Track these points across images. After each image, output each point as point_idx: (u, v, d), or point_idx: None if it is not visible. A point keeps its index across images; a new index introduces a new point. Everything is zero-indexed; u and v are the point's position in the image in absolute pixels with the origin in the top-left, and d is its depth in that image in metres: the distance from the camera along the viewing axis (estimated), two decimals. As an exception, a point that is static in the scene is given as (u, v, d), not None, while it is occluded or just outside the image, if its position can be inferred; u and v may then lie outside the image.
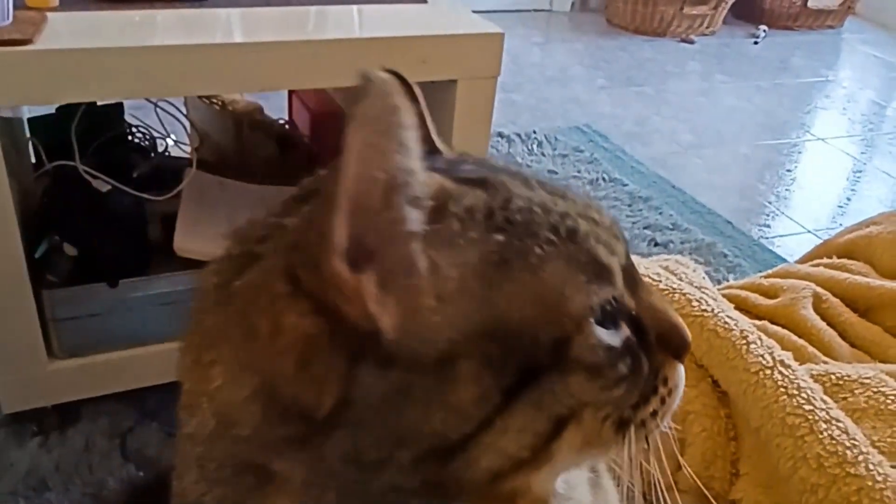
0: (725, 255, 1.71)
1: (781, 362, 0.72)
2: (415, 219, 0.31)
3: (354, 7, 1.12)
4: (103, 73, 0.91)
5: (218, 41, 0.98)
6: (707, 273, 1.62)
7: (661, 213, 1.84)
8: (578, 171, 2.00)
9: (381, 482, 0.33)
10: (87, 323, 1.04)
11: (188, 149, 1.40)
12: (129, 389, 1.11)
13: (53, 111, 1.19)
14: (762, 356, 0.72)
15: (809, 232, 1.88)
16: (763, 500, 0.68)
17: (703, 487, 0.60)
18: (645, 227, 1.77)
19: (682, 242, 1.73)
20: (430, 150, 0.44)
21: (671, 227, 1.79)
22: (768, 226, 1.91)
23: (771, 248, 1.79)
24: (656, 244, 1.72)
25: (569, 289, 0.34)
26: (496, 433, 0.33)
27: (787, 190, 2.10)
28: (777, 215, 1.96)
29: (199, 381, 0.36)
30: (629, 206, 1.86)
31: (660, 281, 0.80)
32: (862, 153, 2.40)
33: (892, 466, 0.65)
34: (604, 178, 1.97)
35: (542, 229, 0.34)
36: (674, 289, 0.78)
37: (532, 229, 0.34)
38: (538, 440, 0.34)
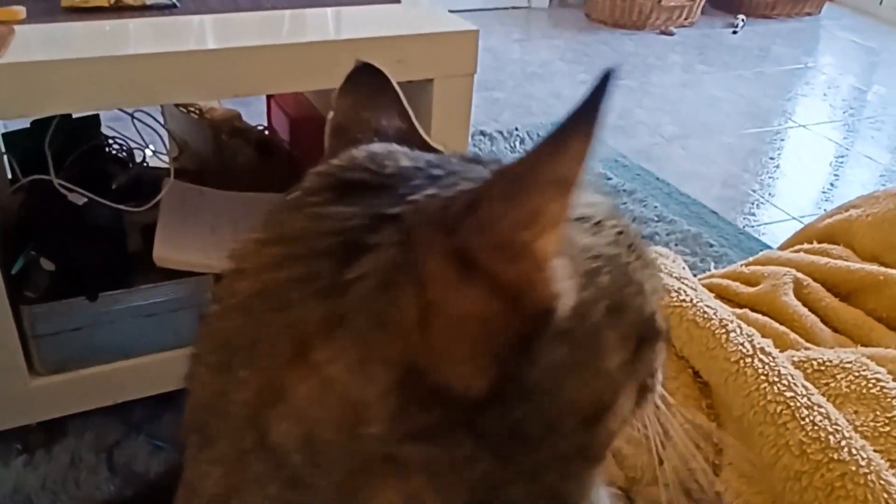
0: (711, 245, 1.71)
1: (762, 350, 0.71)
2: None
3: (328, 9, 1.11)
4: (75, 84, 0.90)
5: (191, 48, 0.97)
6: (694, 263, 1.63)
7: (645, 206, 1.84)
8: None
9: (540, 455, 0.35)
10: (69, 338, 1.03)
11: (167, 159, 1.39)
12: (114, 403, 1.09)
13: (28, 125, 1.18)
14: (742, 344, 0.72)
15: (794, 219, 1.89)
16: (746, 490, 0.67)
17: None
18: (630, 220, 1.77)
19: (667, 234, 1.73)
20: (427, 149, 0.43)
21: (656, 218, 1.79)
22: (753, 214, 1.91)
23: (757, 236, 1.80)
24: (642, 237, 1.72)
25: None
26: (625, 396, 0.38)
27: (770, 178, 2.11)
28: (762, 203, 1.97)
29: (286, 387, 0.33)
30: (613, 199, 1.86)
31: (638, 272, 0.79)
32: (844, 138, 2.41)
33: (876, 451, 0.65)
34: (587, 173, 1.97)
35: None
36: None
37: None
38: (639, 405, 0.40)
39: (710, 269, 1.54)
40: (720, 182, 2.06)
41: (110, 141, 1.32)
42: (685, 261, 1.62)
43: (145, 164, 1.36)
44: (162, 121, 1.41)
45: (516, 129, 2.16)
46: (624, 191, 1.90)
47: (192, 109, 1.43)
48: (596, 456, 0.38)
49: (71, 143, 1.19)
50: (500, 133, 2.14)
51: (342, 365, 0.32)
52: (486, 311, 0.31)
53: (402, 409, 0.32)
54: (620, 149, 2.14)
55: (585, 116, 0.29)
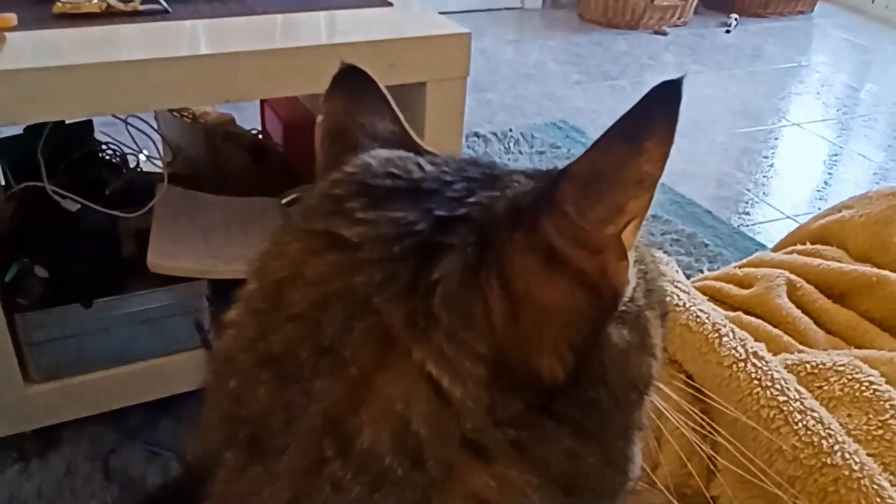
0: (706, 245, 1.71)
1: (755, 354, 0.71)
2: None
3: (320, 13, 1.11)
4: (67, 91, 0.89)
5: (184, 54, 0.97)
6: (689, 263, 1.63)
7: (640, 206, 1.84)
8: (556, 168, 1.99)
9: (610, 427, 0.38)
10: (63, 345, 1.02)
11: (161, 164, 1.39)
12: (109, 410, 1.09)
13: (21, 132, 1.17)
14: (735, 349, 0.72)
15: (789, 217, 1.89)
16: (740, 494, 0.67)
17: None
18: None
19: (662, 234, 1.74)
20: (420, 151, 0.44)
21: (650, 218, 1.79)
22: (748, 213, 1.91)
23: (751, 235, 1.80)
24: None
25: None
26: (658, 364, 0.41)
27: (765, 177, 2.11)
28: (756, 202, 1.97)
29: (376, 390, 0.34)
30: (608, 200, 1.86)
31: (631, 276, 0.79)
32: (838, 137, 2.41)
33: (869, 454, 0.65)
34: (582, 174, 1.97)
35: None
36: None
37: None
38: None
39: (705, 269, 1.54)
40: (714, 181, 2.06)
41: (104, 146, 1.32)
42: (680, 261, 1.63)
43: (139, 170, 1.36)
44: (155, 126, 1.41)
45: (510, 131, 2.17)
46: (618, 191, 1.90)
47: (186, 114, 1.43)
48: (644, 426, 0.41)
49: (64, 149, 1.18)
50: (494, 134, 2.14)
51: (437, 363, 0.33)
52: (570, 302, 0.34)
53: (493, 401, 0.34)
54: (614, 149, 2.13)
55: (666, 119, 0.32)
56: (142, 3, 1.02)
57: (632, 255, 0.35)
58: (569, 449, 0.36)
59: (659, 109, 0.32)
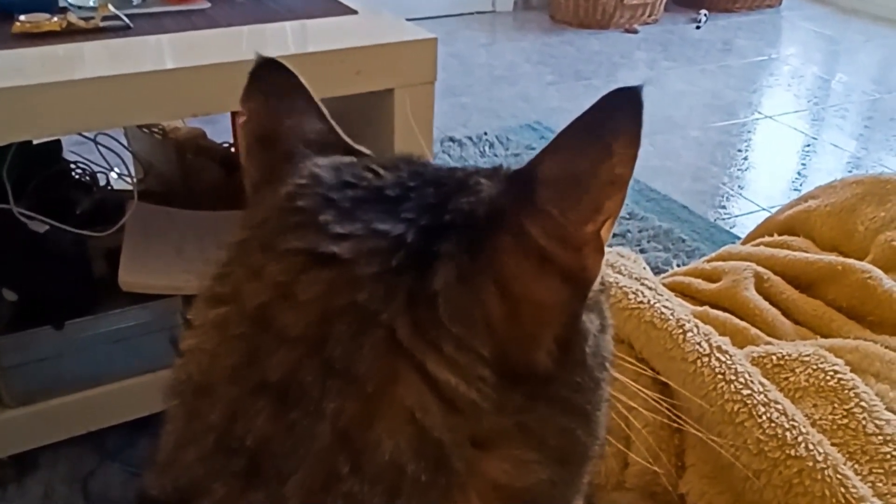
0: (683, 240, 1.72)
1: (718, 348, 0.71)
2: None
3: (286, 24, 1.10)
4: (30, 111, 0.88)
5: (149, 69, 0.96)
6: (666, 259, 1.64)
7: (617, 204, 1.84)
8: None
9: (593, 401, 0.40)
10: (36, 368, 1.01)
11: (131, 181, 1.37)
12: (86, 432, 1.08)
13: (-14, 154, 1.16)
14: (699, 344, 0.72)
15: (765, 210, 1.90)
16: (709, 490, 0.67)
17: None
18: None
19: (639, 231, 1.74)
20: (349, 149, 0.44)
21: (627, 216, 1.80)
22: (724, 207, 1.92)
23: (728, 228, 1.81)
24: (614, 235, 1.71)
25: None
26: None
27: (739, 170, 2.12)
28: (732, 196, 1.98)
29: (393, 402, 0.34)
30: (585, 199, 1.86)
31: (596, 276, 0.79)
32: (810, 128, 2.43)
33: (834, 444, 0.65)
34: (558, 174, 1.97)
35: None
36: (610, 283, 0.78)
37: None
38: None
39: (682, 265, 1.54)
40: (690, 176, 2.07)
41: (73, 166, 1.31)
42: (657, 257, 1.64)
43: (109, 188, 1.34)
44: (125, 143, 1.39)
45: (485, 134, 2.17)
46: (595, 190, 1.90)
47: (156, 130, 1.42)
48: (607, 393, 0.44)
49: (31, 169, 1.17)
50: (469, 138, 2.14)
51: (449, 370, 0.35)
52: (558, 296, 0.36)
53: (501, 397, 0.35)
54: (589, 148, 2.14)
55: (630, 124, 0.34)
56: (103, 20, 1.01)
57: (606, 248, 0.37)
58: (561, 425, 0.39)
59: (622, 114, 0.34)
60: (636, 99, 0.34)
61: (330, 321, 0.34)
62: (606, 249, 0.37)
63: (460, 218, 0.36)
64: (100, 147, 1.27)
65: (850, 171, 2.14)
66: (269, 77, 0.45)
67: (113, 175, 1.36)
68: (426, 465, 0.34)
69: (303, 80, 0.45)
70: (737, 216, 1.88)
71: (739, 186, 2.03)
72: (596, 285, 0.38)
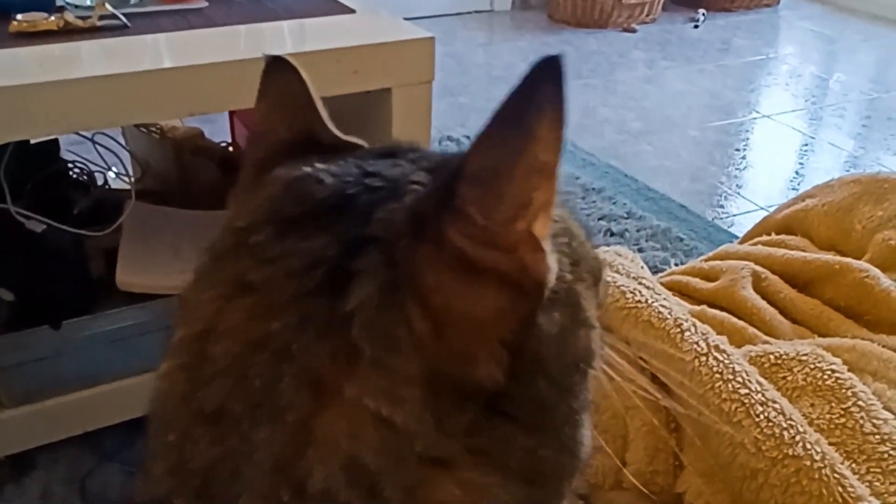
0: (682, 240, 1.71)
1: (716, 347, 0.71)
2: None
3: (284, 23, 1.10)
4: (28, 110, 0.88)
5: (146, 68, 0.96)
6: (664, 258, 1.64)
7: (615, 203, 1.85)
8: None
9: (559, 414, 0.37)
10: (33, 368, 1.01)
11: (129, 180, 1.37)
12: (84, 432, 1.08)
13: (-17, 154, 1.16)
14: (697, 343, 0.72)
15: (762, 209, 1.90)
16: (706, 490, 0.67)
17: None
18: (600, 219, 1.78)
19: (637, 230, 1.74)
20: (337, 142, 0.43)
21: (626, 215, 1.80)
22: (722, 206, 1.92)
23: (726, 228, 1.81)
24: (612, 234, 1.73)
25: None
26: (597, 334, 0.40)
27: (737, 169, 2.12)
28: (730, 195, 1.98)
29: (319, 431, 0.33)
30: (583, 198, 1.87)
31: (594, 275, 0.79)
32: (808, 127, 2.43)
33: (831, 443, 0.65)
34: (556, 173, 1.97)
35: None
36: (607, 282, 0.78)
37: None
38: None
39: (681, 264, 1.54)
40: (688, 176, 2.07)
41: (70, 165, 1.30)
42: (656, 256, 1.64)
43: (107, 187, 1.34)
44: (123, 142, 1.39)
45: (483, 133, 2.16)
46: (593, 189, 1.90)
47: (153, 129, 1.42)
48: (590, 399, 0.41)
49: (29, 169, 1.17)
50: (468, 138, 2.14)
51: (372, 394, 0.33)
52: (493, 305, 0.33)
53: (440, 417, 0.33)
54: (587, 147, 2.14)
55: (553, 102, 0.30)
56: (100, 19, 1.00)
57: (547, 243, 0.33)
58: (524, 444, 0.36)
59: (544, 92, 0.30)
60: (557, 70, 0.30)
61: (250, 353, 0.34)
62: (547, 245, 0.33)
63: (382, 228, 0.34)
64: (97, 146, 1.27)
65: (847, 171, 2.14)
66: (273, 77, 0.45)
67: (110, 174, 1.36)
68: (359, 493, 0.33)
69: (303, 75, 0.44)
70: (735, 215, 1.88)
71: (737, 186, 2.03)
72: (550, 282, 0.34)
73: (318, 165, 0.39)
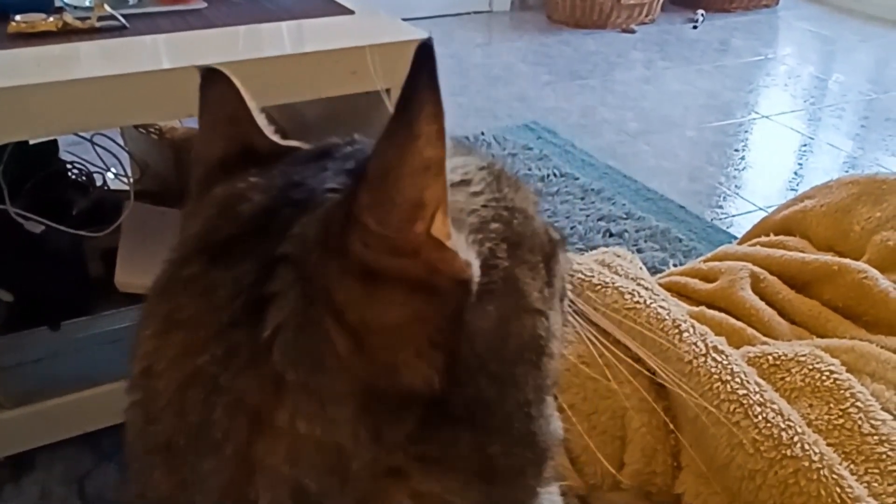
0: (680, 240, 1.72)
1: (714, 348, 0.71)
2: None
3: (282, 24, 1.10)
4: (27, 111, 0.88)
5: (145, 69, 0.96)
6: (663, 259, 1.64)
7: (614, 204, 1.85)
8: (529, 169, 2.00)
9: (507, 409, 0.36)
10: (32, 369, 1.01)
11: (128, 181, 1.37)
12: (83, 433, 1.08)
13: (-18, 154, 1.16)
14: (695, 344, 0.72)
15: (761, 209, 1.90)
16: (704, 490, 0.67)
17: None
18: (599, 219, 1.78)
19: (636, 231, 1.74)
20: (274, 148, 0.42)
21: (625, 216, 1.80)
22: (721, 207, 1.92)
23: (725, 228, 1.81)
24: (611, 235, 1.73)
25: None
26: (554, 316, 0.39)
27: (736, 170, 2.12)
28: (729, 195, 1.98)
29: (260, 460, 0.33)
30: (582, 199, 1.87)
31: (592, 276, 0.79)
32: (807, 127, 2.43)
33: (829, 444, 0.65)
34: (555, 174, 1.97)
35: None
36: (606, 283, 0.78)
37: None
38: (563, 313, 0.42)
39: (679, 264, 1.55)
40: (686, 176, 2.07)
41: (69, 166, 1.30)
42: (654, 256, 1.64)
43: (106, 188, 1.34)
44: (122, 143, 1.39)
45: (482, 134, 2.17)
46: (592, 190, 1.90)
47: (152, 130, 1.42)
48: (550, 385, 0.40)
49: (28, 169, 1.17)
50: (467, 138, 2.14)
51: (304, 419, 0.32)
52: (411, 311, 0.32)
53: (377, 430, 0.33)
54: (586, 148, 2.14)
55: (429, 93, 0.29)
56: (99, 20, 1.00)
57: (458, 238, 0.32)
58: (472, 445, 0.35)
59: (419, 84, 0.29)
60: (428, 58, 0.29)
61: (185, 388, 0.34)
62: (457, 241, 0.32)
63: (294, 245, 0.33)
64: (96, 147, 1.27)
65: (846, 171, 2.14)
66: (209, 91, 0.43)
67: (109, 175, 1.36)
68: None
69: (238, 85, 0.42)
70: (733, 216, 1.88)
71: (736, 186, 2.03)
72: (473, 276, 0.33)
73: (252, 179, 0.38)
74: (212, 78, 0.43)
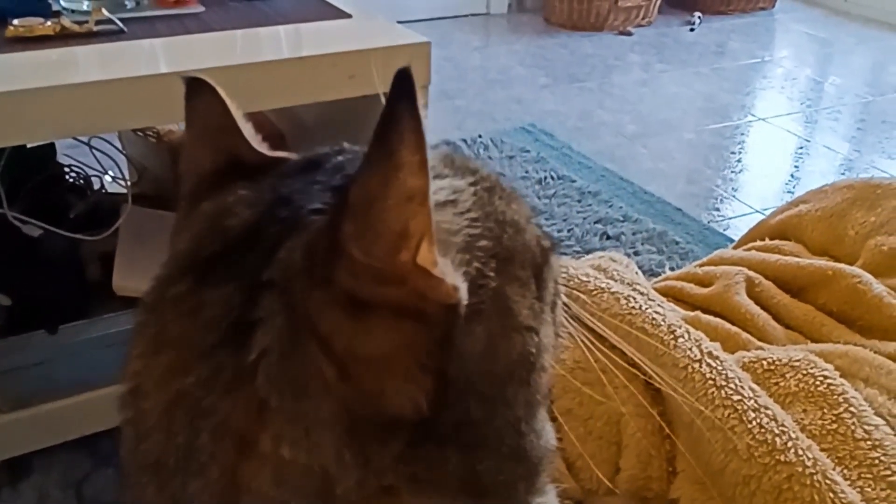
0: (677, 243, 1.72)
1: (709, 354, 0.72)
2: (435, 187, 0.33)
3: (280, 27, 1.11)
4: (25, 115, 0.88)
5: (143, 73, 0.96)
6: (660, 262, 1.64)
7: (611, 206, 1.85)
8: (526, 172, 2.00)
9: (496, 426, 0.36)
10: (30, 373, 1.01)
11: (126, 184, 1.37)
12: (80, 437, 1.08)
13: (-21, 158, 1.16)
14: (690, 349, 0.72)
15: (758, 212, 1.91)
16: (699, 496, 0.67)
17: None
18: (596, 222, 1.78)
19: (633, 234, 1.74)
20: (262, 160, 0.41)
21: (622, 219, 1.80)
22: (717, 209, 1.93)
23: (721, 231, 1.81)
24: (608, 237, 1.73)
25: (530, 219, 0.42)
26: (544, 329, 0.39)
27: (733, 172, 2.13)
28: (725, 198, 1.99)
29: (245, 483, 0.33)
30: (579, 201, 1.87)
31: (588, 281, 0.80)
32: (804, 130, 2.44)
33: (823, 449, 0.65)
34: (552, 176, 1.98)
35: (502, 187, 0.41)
36: (602, 288, 0.78)
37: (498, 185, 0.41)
38: (554, 324, 0.41)
39: (676, 267, 1.55)
40: (683, 179, 2.08)
41: (67, 169, 1.30)
42: (651, 259, 1.64)
43: (104, 191, 1.34)
44: (120, 146, 1.39)
45: (479, 137, 2.17)
46: (589, 192, 1.90)
47: (150, 134, 1.42)
48: (541, 398, 0.39)
49: (25, 173, 1.17)
50: (464, 141, 2.14)
51: (288, 444, 0.32)
52: (398, 338, 0.32)
53: (363, 454, 0.32)
54: (583, 150, 2.15)
55: (410, 122, 0.28)
56: (96, 24, 1.01)
57: (444, 263, 0.32)
58: (461, 464, 0.35)
59: (400, 113, 0.28)
60: (408, 86, 0.28)
61: (171, 409, 0.34)
62: (443, 267, 0.32)
63: (280, 270, 0.33)
64: (94, 151, 1.27)
65: (842, 174, 2.15)
66: (194, 101, 0.42)
67: (107, 179, 1.36)
68: None
69: (222, 94, 0.41)
70: (730, 218, 1.89)
71: (733, 189, 2.03)
72: (461, 300, 0.33)
73: (240, 193, 0.38)
74: (196, 88, 0.42)
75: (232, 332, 0.33)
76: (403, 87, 0.28)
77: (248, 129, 0.42)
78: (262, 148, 0.42)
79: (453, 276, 0.33)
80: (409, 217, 0.30)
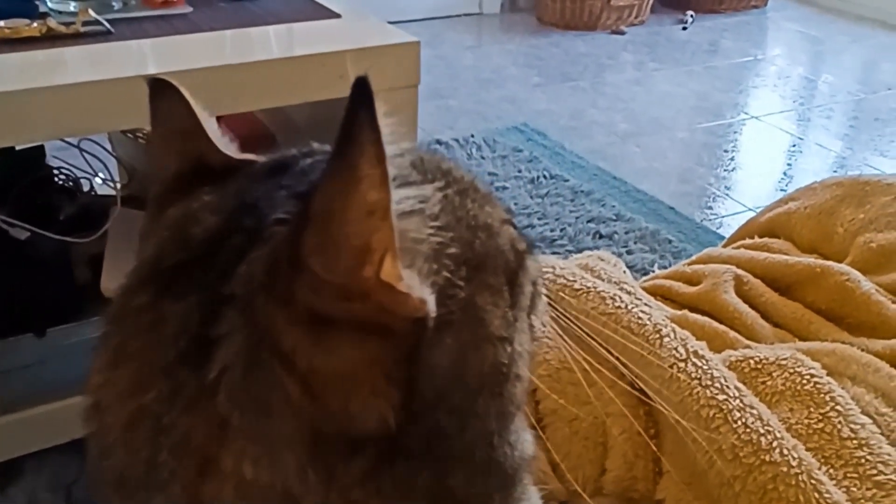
0: (670, 241, 1.72)
1: (695, 353, 0.71)
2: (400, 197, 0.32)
3: (269, 28, 1.10)
4: (12, 117, 0.88)
5: (131, 74, 0.95)
6: (653, 260, 1.64)
7: (603, 205, 1.85)
8: (519, 171, 2.00)
9: (467, 439, 0.35)
10: (18, 376, 1.00)
11: (115, 186, 1.37)
12: (70, 440, 1.07)
13: (-34, 160, 1.15)
14: (675, 349, 0.72)
15: (751, 210, 1.91)
16: (685, 496, 0.67)
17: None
18: (589, 221, 1.78)
19: (626, 232, 1.74)
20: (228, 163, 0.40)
21: (614, 217, 1.80)
22: (710, 208, 1.93)
23: (714, 229, 1.81)
24: (601, 236, 1.73)
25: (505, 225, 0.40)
26: (518, 338, 0.38)
27: (726, 171, 2.13)
28: (718, 196, 1.99)
29: (207, 502, 0.32)
30: (572, 200, 1.87)
31: (574, 281, 0.79)
32: (796, 128, 2.44)
33: (809, 448, 0.65)
34: (545, 176, 1.98)
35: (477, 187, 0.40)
36: (588, 288, 0.78)
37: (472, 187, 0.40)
38: (530, 330, 0.40)
39: (669, 265, 1.55)
40: (676, 177, 2.08)
41: (56, 171, 1.30)
42: (644, 258, 1.64)
43: (93, 193, 1.34)
44: (109, 148, 1.39)
45: (472, 136, 2.17)
46: (582, 191, 1.90)
47: (140, 135, 1.41)
48: (515, 408, 0.38)
49: (14, 175, 1.16)
50: (457, 141, 2.14)
51: (250, 463, 0.32)
52: (364, 353, 0.31)
53: (328, 472, 0.32)
54: (576, 150, 2.15)
55: (367, 137, 0.28)
56: (83, 25, 1.00)
57: (410, 276, 0.31)
58: (434, 477, 0.34)
59: (359, 124, 0.28)
60: (367, 97, 0.28)
61: (132, 425, 0.34)
62: (409, 280, 0.31)
63: (241, 285, 0.32)
64: (83, 152, 1.26)
65: (835, 171, 2.15)
66: (158, 103, 0.42)
67: (96, 181, 1.35)
68: None
69: (186, 95, 0.41)
70: (723, 217, 1.89)
71: (726, 187, 2.03)
72: (429, 312, 0.32)
73: (205, 198, 0.37)
74: (160, 89, 0.41)
75: (193, 347, 0.32)
76: (362, 96, 0.28)
77: (213, 131, 0.41)
78: (230, 150, 0.41)
79: (420, 289, 0.32)
80: (371, 232, 0.29)
